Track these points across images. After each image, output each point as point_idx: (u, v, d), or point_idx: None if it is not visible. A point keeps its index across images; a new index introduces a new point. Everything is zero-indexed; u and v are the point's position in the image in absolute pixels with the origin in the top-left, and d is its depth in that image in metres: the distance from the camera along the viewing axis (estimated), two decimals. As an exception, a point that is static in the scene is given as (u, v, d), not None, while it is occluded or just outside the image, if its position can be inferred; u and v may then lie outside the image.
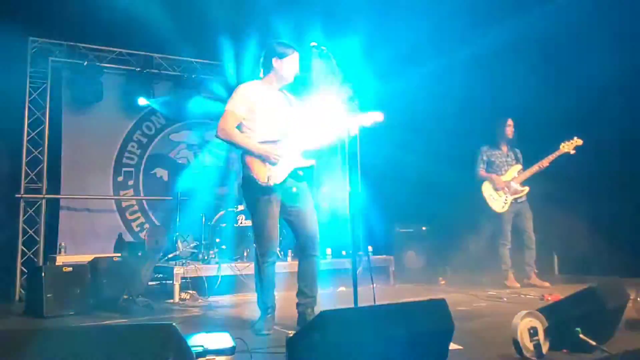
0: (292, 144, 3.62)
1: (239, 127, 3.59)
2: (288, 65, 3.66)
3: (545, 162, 5.63)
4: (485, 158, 5.90)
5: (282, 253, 5.90)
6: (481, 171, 5.87)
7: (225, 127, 3.54)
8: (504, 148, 5.93)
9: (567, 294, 2.93)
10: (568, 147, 5.50)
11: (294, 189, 3.62)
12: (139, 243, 6.65)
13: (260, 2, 6.14)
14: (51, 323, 4.12)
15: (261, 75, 3.75)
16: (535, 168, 5.69)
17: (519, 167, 5.84)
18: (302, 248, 3.66)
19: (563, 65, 6.11)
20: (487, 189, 5.79)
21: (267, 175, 3.48)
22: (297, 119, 3.75)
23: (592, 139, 5.52)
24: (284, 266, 5.37)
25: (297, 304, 3.62)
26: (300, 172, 3.66)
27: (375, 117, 3.55)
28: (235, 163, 7.15)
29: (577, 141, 5.50)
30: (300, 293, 3.62)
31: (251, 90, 3.66)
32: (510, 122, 5.91)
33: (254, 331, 3.45)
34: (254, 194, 3.55)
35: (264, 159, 3.49)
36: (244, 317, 4.14)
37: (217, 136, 3.61)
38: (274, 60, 3.65)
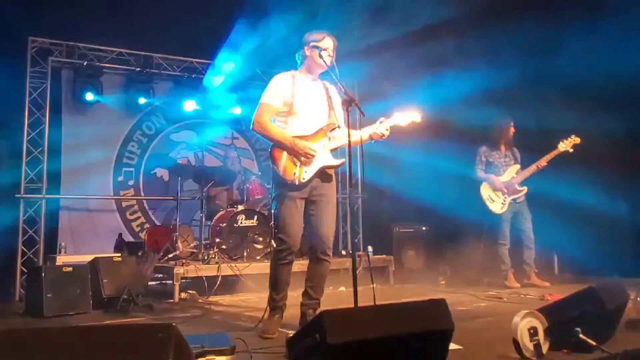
0: (326, 140, 3.51)
1: (272, 119, 3.50)
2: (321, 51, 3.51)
3: (543, 162, 5.61)
4: (484, 159, 5.88)
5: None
6: (480, 172, 5.85)
7: (261, 120, 3.45)
8: (503, 148, 5.92)
9: (567, 294, 2.93)
10: (566, 145, 5.49)
11: (319, 189, 3.51)
12: (139, 243, 6.65)
13: (261, 1, 6.14)
14: (51, 323, 4.11)
15: (298, 66, 3.66)
16: (533, 168, 5.67)
17: (518, 167, 5.83)
18: (314, 249, 3.54)
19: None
20: (485, 190, 5.77)
21: (294, 171, 3.39)
22: (333, 113, 3.64)
23: (592, 138, 5.51)
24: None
25: (301, 304, 3.57)
26: (329, 171, 3.56)
27: (413, 116, 3.46)
28: (236, 163, 7.17)
29: (575, 139, 5.47)
30: (305, 294, 3.57)
31: (287, 81, 3.55)
32: (512, 123, 5.90)
33: (258, 331, 3.38)
34: (280, 189, 3.47)
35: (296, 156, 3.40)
36: (244, 317, 4.14)
37: (252, 129, 3.51)
38: (306, 48, 3.55)
